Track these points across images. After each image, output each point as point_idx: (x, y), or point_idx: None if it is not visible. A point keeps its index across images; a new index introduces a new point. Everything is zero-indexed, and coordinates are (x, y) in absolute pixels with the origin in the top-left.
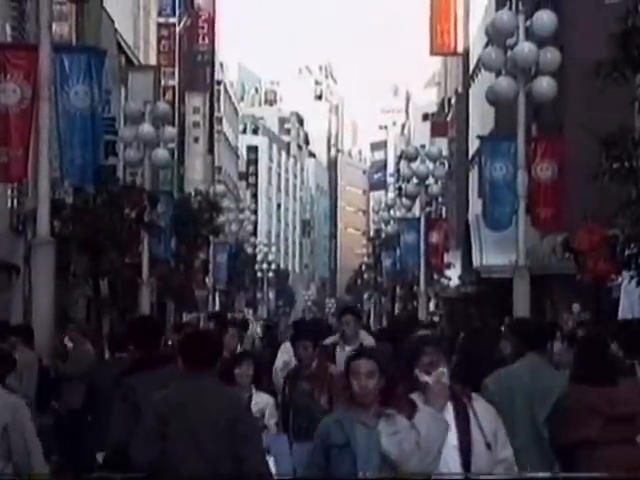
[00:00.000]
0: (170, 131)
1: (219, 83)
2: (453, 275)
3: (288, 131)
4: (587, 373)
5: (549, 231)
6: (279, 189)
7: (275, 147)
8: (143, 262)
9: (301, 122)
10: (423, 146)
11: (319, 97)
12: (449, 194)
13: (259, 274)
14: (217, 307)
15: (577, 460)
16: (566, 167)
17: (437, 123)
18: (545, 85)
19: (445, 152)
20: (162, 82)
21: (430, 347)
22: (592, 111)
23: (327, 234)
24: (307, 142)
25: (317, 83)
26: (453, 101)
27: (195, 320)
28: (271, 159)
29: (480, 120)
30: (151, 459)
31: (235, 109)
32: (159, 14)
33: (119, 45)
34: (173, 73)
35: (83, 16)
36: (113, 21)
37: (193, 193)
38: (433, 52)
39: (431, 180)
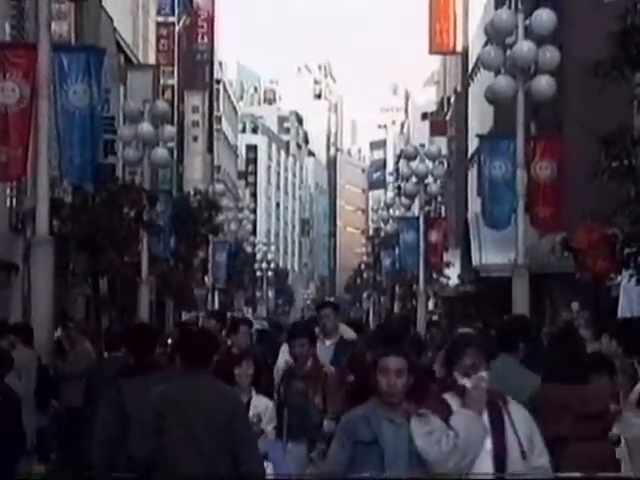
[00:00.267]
0: (169, 130)
1: (218, 82)
2: (452, 274)
3: (287, 130)
4: (558, 371)
5: (548, 230)
6: (278, 188)
7: (274, 146)
8: (142, 261)
9: (300, 121)
10: (422, 145)
11: (318, 96)
12: (448, 193)
13: (258, 273)
14: (216, 306)
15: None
16: (565, 166)
17: (436, 122)
18: (544, 84)
19: (444, 151)
20: (161, 81)
21: (472, 348)
22: (591, 110)
23: (326, 233)
24: (306, 141)
25: (316, 82)
26: (452, 100)
27: (194, 319)
28: (270, 158)
29: (479, 119)
30: (148, 454)
31: (234, 108)
32: (158, 13)
33: (118, 44)
34: (172, 72)
35: (82, 15)
36: (112, 20)
37: (192, 192)
38: (432, 51)
39: (430, 179)
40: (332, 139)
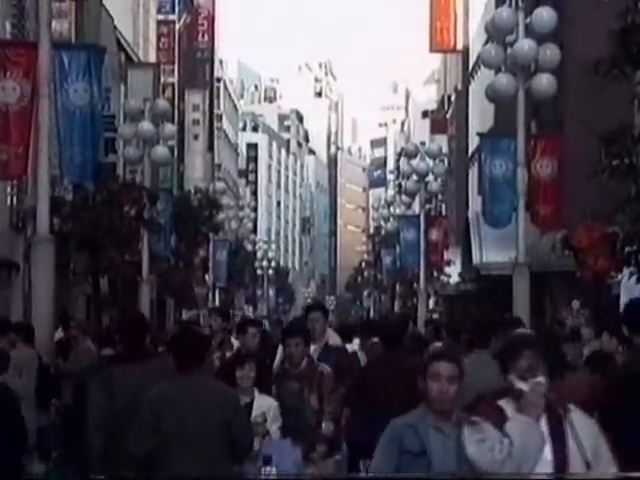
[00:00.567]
0: (170, 128)
1: (219, 80)
2: (453, 272)
3: (288, 128)
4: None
5: (549, 228)
6: (279, 186)
7: (275, 144)
8: (143, 260)
9: (301, 119)
10: (423, 143)
11: (319, 94)
12: (449, 191)
13: (259, 271)
14: (217, 304)
15: None
16: (566, 164)
17: (437, 120)
18: (545, 82)
19: (445, 149)
20: (162, 79)
21: (530, 350)
22: (592, 108)
23: (327, 231)
24: (307, 139)
25: (317, 80)
26: (453, 98)
27: (195, 317)
28: (271, 156)
29: (480, 117)
30: (146, 452)
31: (235, 106)
32: (158, 11)
33: (118, 42)
34: (173, 70)
35: (82, 13)
36: (112, 18)
37: (193, 190)
38: (433, 49)
39: (431, 177)
40: (333, 137)
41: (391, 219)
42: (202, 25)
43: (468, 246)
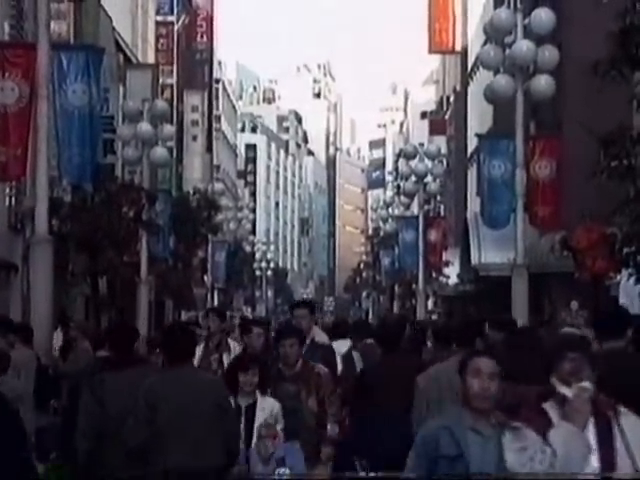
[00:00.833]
0: (168, 129)
1: (217, 81)
2: (452, 273)
3: (286, 129)
4: (513, 371)
5: (547, 229)
6: (277, 187)
7: (273, 145)
8: (141, 261)
9: (299, 120)
10: (422, 144)
11: (317, 95)
12: (447, 192)
13: (257, 272)
14: (216, 305)
15: None
16: (564, 165)
17: (435, 121)
18: (543, 83)
19: (443, 150)
20: (160, 80)
21: (575, 353)
22: (590, 109)
23: (325, 232)
24: (305, 140)
25: (315, 81)
26: (451, 99)
27: (194, 318)
28: (269, 157)
29: (478, 118)
30: (140, 443)
31: (233, 107)
32: (157, 12)
33: (117, 43)
34: (171, 71)
35: (81, 14)
36: (111, 19)
37: (191, 191)
38: (431, 50)
39: (429, 178)
40: (331, 138)
41: (390, 220)
42: (201, 26)
43: (467, 247)
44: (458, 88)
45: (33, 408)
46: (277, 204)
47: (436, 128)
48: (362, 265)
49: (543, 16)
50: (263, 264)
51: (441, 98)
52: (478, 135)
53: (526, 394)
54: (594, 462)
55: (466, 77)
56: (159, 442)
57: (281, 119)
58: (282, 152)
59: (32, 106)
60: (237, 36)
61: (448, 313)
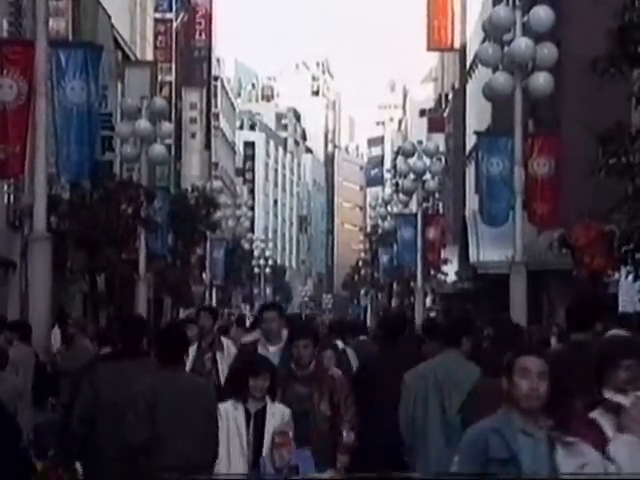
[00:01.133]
0: (167, 127)
1: (216, 79)
2: (450, 271)
3: (285, 127)
4: (494, 368)
5: (546, 227)
6: (276, 185)
7: (272, 143)
8: (140, 258)
9: (298, 118)
10: (420, 142)
11: (316, 93)
12: (446, 190)
13: (256, 270)
14: (214, 303)
15: None
16: (563, 163)
17: (434, 119)
18: (542, 81)
19: (442, 148)
20: (159, 78)
21: (630, 360)
22: (589, 107)
23: (324, 230)
24: (304, 138)
25: (314, 79)
26: (450, 97)
27: (192, 316)
28: (268, 155)
29: (477, 116)
30: (144, 439)
31: (232, 105)
32: (156, 9)
33: (116, 40)
34: (170, 69)
35: (79, 11)
36: (110, 16)
37: (190, 189)
38: (430, 48)
39: (428, 176)
40: (330, 136)
41: (388, 218)
42: (199, 23)
43: (465, 245)
44: (457, 86)
45: (31, 405)
46: (276, 202)
47: (435, 126)
48: (360, 263)
49: (542, 14)
50: (261, 261)
51: (440, 96)
52: (477, 133)
53: (502, 389)
54: None
55: (465, 75)
56: (158, 440)
57: (280, 117)
58: (281, 150)
59: (30, 103)
60: (236, 33)
61: (446, 311)
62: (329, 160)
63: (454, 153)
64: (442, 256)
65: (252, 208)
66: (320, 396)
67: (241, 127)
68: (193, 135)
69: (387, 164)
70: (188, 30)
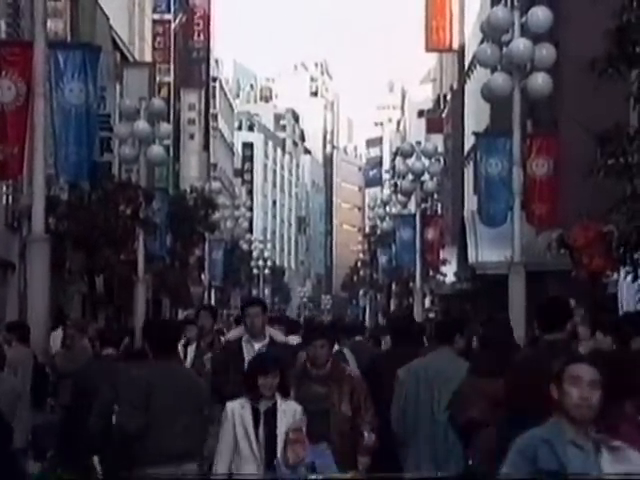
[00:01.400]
0: (165, 128)
1: (214, 80)
2: (449, 272)
3: (283, 128)
4: (481, 367)
5: (544, 227)
6: (274, 186)
7: (270, 144)
8: (138, 259)
9: (296, 119)
10: (419, 142)
11: (314, 94)
12: (444, 190)
13: (255, 271)
14: (213, 304)
15: (468, 436)
16: (561, 163)
17: (432, 119)
18: (540, 81)
19: (440, 148)
20: (157, 79)
21: None
22: (587, 107)
23: (323, 231)
24: (302, 139)
25: (312, 80)
26: (448, 97)
27: (191, 316)
28: (266, 156)
29: (475, 116)
30: (139, 427)
31: (230, 106)
32: (154, 11)
33: (114, 42)
34: (168, 70)
35: (78, 13)
36: (108, 18)
37: (188, 190)
38: (428, 48)
39: (426, 176)
40: (328, 137)
41: (387, 218)
42: (198, 24)
43: (464, 245)
44: (455, 86)
45: (30, 406)
46: (274, 202)
47: (433, 126)
48: (359, 263)
49: (540, 14)
50: (260, 262)
51: (438, 96)
52: (475, 133)
53: (486, 388)
54: None
55: (463, 75)
56: (152, 428)
57: (278, 117)
58: (279, 150)
59: (29, 104)
60: (234, 34)
61: (445, 311)
62: (328, 161)
63: (453, 154)
64: (441, 257)
65: (251, 209)
66: (340, 396)
67: (239, 128)
68: (192, 136)
69: (386, 165)
70: (186, 31)
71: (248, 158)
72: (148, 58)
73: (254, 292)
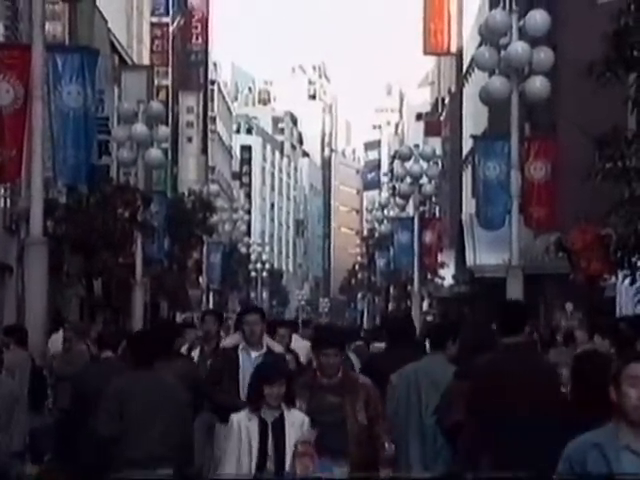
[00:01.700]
0: (163, 131)
1: (213, 83)
2: (447, 275)
3: (282, 131)
4: (464, 371)
5: (542, 231)
6: (273, 189)
7: (269, 147)
8: (136, 262)
9: (295, 122)
10: (417, 146)
11: (313, 97)
12: (443, 194)
13: (253, 274)
14: (211, 307)
15: (454, 439)
16: (559, 167)
17: (431, 123)
18: (538, 85)
19: (439, 152)
20: (155, 82)
21: None
22: (585, 111)
23: (321, 234)
24: (301, 142)
25: (311, 83)
26: (447, 101)
27: (189, 320)
28: (265, 159)
29: (473, 120)
30: (114, 433)
31: (229, 109)
32: (152, 14)
33: (112, 45)
34: (166, 73)
35: (76, 16)
36: (106, 21)
37: (186, 193)
38: (427, 52)
39: (425, 180)
40: (326, 140)
41: (385, 221)
42: (196, 28)
43: (462, 248)
44: (453, 89)
45: (27, 409)
46: (272, 205)
47: (431, 129)
48: (357, 266)
49: (538, 18)
50: (258, 265)
51: (436, 99)
52: (473, 136)
53: (464, 389)
54: None
55: (461, 78)
56: (124, 434)
57: (276, 120)
58: (277, 153)
59: (27, 107)
60: (232, 37)
61: (443, 314)
62: (326, 164)
63: (451, 157)
64: (439, 260)
65: (249, 212)
66: (355, 405)
67: (238, 131)
68: (190, 139)
69: (384, 168)
70: (185, 34)
71: (246, 161)
72: (146, 61)
73: (252, 295)
